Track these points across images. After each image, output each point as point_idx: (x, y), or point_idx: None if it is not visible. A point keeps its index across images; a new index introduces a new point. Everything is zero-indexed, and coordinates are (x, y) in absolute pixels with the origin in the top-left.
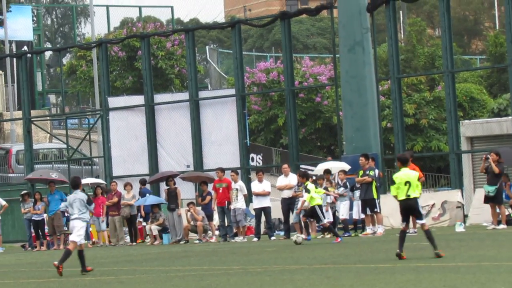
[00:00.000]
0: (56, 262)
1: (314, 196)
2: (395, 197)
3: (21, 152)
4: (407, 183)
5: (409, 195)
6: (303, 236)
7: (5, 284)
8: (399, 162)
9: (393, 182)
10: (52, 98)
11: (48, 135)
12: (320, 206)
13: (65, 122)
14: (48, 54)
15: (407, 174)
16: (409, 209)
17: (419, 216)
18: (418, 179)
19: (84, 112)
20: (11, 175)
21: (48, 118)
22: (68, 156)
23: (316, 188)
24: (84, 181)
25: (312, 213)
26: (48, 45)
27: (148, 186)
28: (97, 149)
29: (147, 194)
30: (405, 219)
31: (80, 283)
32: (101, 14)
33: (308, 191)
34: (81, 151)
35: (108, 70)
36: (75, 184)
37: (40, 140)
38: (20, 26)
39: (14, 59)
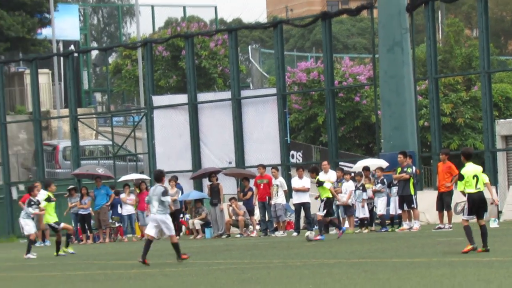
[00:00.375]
0: (178, 259)
1: (326, 187)
2: (462, 192)
3: (68, 148)
4: (475, 176)
5: (479, 188)
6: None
7: (52, 276)
8: (464, 156)
9: (461, 178)
10: (98, 96)
11: (94, 132)
12: (328, 199)
13: (110, 120)
14: (94, 53)
15: (474, 168)
16: (480, 201)
17: (485, 209)
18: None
19: (129, 110)
20: (58, 170)
21: (94, 115)
22: (113, 152)
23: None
24: (129, 176)
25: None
26: (94, 44)
27: (191, 182)
28: (141, 146)
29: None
30: (473, 212)
31: (125, 275)
32: (146, 14)
33: (321, 183)
34: (126, 147)
35: (152, 69)
36: (157, 177)
37: (86, 137)
38: (67, 25)
39: (61, 58)
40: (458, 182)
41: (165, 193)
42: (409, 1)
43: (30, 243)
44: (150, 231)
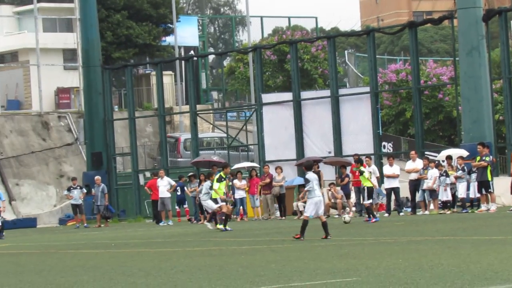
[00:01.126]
0: (327, 236)
1: (366, 177)
2: None
3: (188, 140)
4: None
5: None
6: (350, 216)
7: (174, 252)
8: None
9: None
10: (215, 94)
11: (211, 125)
12: (369, 188)
13: (225, 115)
14: (211, 57)
15: None
16: None
17: None
18: None
19: (241, 107)
20: (179, 159)
21: (211, 111)
22: (228, 143)
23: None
24: (241, 164)
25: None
26: (211, 50)
27: (295, 169)
28: (252, 138)
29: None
30: None
31: (237, 251)
32: (256, 24)
33: (362, 172)
34: (238, 139)
35: (262, 71)
36: (310, 166)
37: (204, 130)
38: (188, 34)
39: (183, 62)
40: None
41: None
42: (484, 12)
43: (212, 215)
44: (311, 212)
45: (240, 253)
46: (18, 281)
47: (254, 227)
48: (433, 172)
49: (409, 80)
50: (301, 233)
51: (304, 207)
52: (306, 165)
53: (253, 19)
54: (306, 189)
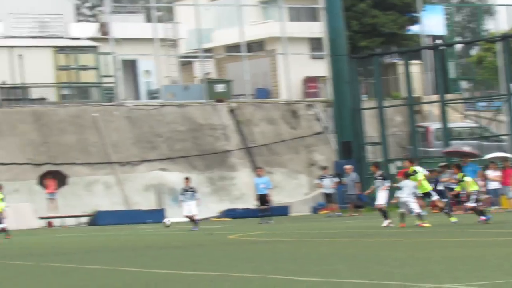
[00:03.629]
0: None
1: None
2: None
3: (438, 129)
4: None
5: None
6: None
7: (429, 242)
8: None
9: None
10: (464, 84)
11: (461, 115)
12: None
13: (474, 105)
14: (458, 46)
15: None
16: None
17: None
18: None
19: (490, 97)
20: (429, 149)
21: (460, 101)
22: (479, 133)
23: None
24: (493, 155)
25: None
26: (458, 38)
27: None
28: (504, 128)
29: None
30: None
31: (494, 242)
32: (503, 13)
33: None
34: (489, 129)
35: (510, 61)
36: None
37: (453, 120)
38: (433, 22)
39: (430, 51)
40: None
41: None
42: None
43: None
44: None
45: (497, 244)
46: (274, 269)
47: (509, 219)
48: None
49: None
50: None
51: None
52: None
53: (501, 7)
54: None
